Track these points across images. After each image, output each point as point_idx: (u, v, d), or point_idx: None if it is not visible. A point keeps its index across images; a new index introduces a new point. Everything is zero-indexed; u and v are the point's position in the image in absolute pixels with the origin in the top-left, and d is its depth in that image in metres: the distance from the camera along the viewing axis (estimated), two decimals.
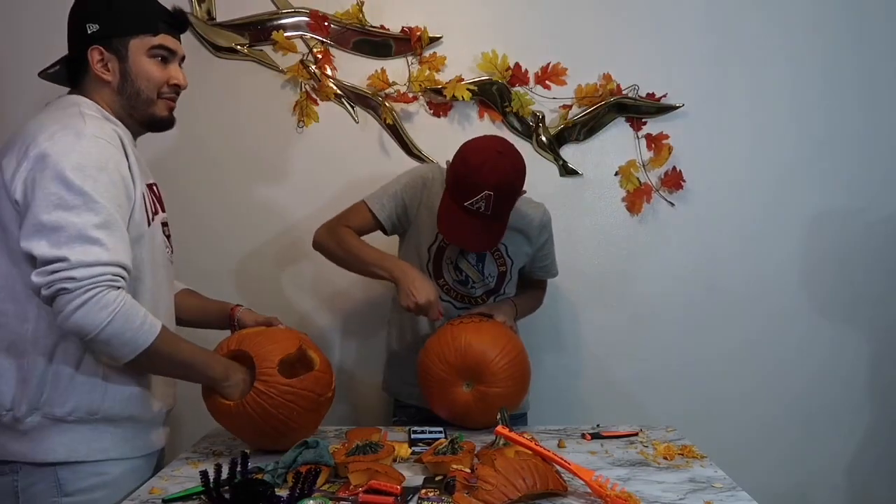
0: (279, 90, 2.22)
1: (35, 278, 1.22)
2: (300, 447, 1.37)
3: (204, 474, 1.22)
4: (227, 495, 1.20)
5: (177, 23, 1.44)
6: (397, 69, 2.22)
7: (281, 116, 2.22)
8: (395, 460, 1.45)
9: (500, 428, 1.38)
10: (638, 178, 2.26)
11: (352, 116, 2.23)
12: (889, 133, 2.28)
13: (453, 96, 2.18)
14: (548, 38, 2.23)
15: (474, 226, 1.67)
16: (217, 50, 2.20)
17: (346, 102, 2.23)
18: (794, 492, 2.33)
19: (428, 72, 2.20)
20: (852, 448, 2.35)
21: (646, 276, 2.29)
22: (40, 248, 1.22)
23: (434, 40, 2.20)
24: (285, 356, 1.49)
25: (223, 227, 2.24)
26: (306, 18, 2.20)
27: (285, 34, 2.19)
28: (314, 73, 2.20)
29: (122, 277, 1.27)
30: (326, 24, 2.20)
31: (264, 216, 2.25)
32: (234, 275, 2.25)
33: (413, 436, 1.61)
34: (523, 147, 2.22)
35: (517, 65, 2.21)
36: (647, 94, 2.24)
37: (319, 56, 2.20)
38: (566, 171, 2.27)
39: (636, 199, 2.26)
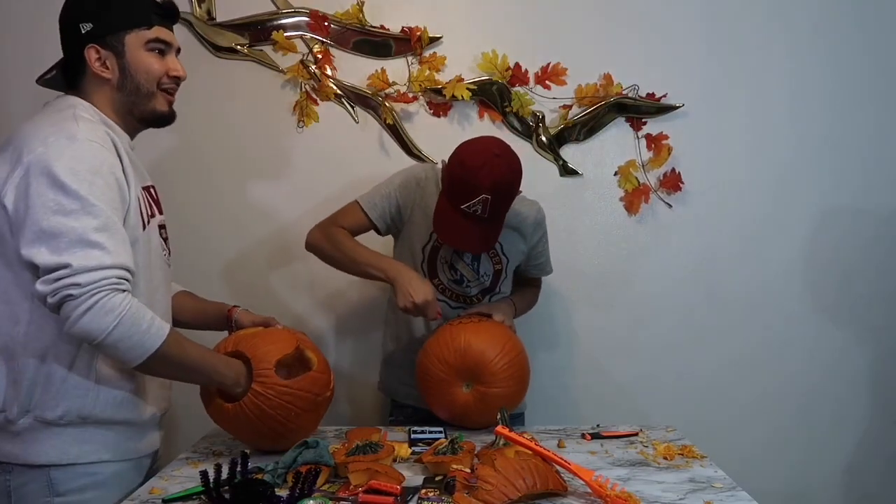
0: (279, 90, 2.22)
1: (40, 287, 1.22)
2: (300, 447, 1.37)
3: (204, 474, 1.22)
4: (227, 495, 1.20)
5: (169, 14, 1.44)
6: (397, 69, 2.22)
7: (281, 116, 2.22)
8: (395, 460, 1.45)
9: (500, 428, 1.39)
10: (637, 178, 2.26)
11: (352, 116, 2.23)
12: (891, 133, 2.28)
13: (453, 96, 2.18)
14: (548, 38, 2.23)
15: (471, 228, 1.67)
16: (217, 50, 2.20)
17: (346, 102, 2.23)
18: (794, 492, 2.33)
19: (428, 72, 2.20)
20: (853, 449, 2.34)
21: (645, 277, 2.29)
22: (41, 255, 1.21)
23: (434, 40, 2.21)
24: (282, 357, 1.49)
25: (223, 226, 2.24)
26: (306, 18, 2.20)
27: (285, 34, 2.19)
28: (314, 73, 2.20)
29: (126, 280, 1.27)
30: (326, 24, 2.20)
31: (264, 216, 2.25)
32: (234, 275, 2.25)
33: (413, 436, 1.61)
34: (523, 147, 2.23)
35: (517, 65, 2.21)
36: (647, 94, 2.24)
37: (319, 56, 2.20)
38: (566, 171, 2.27)
39: (634, 199, 2.26)
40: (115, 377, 1.35)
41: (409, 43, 2.20)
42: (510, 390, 1.66)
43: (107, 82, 1.38)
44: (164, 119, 1.45)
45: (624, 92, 2.23)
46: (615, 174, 2.27)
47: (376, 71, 2.20)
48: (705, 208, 2.28)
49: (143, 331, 1.27)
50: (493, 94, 2.22)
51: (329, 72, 2.21)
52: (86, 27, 1.36)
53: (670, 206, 2.27)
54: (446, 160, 1.73)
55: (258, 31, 2.20)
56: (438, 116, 2.22)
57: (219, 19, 2.20)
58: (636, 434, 1.69)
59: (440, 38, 2.21)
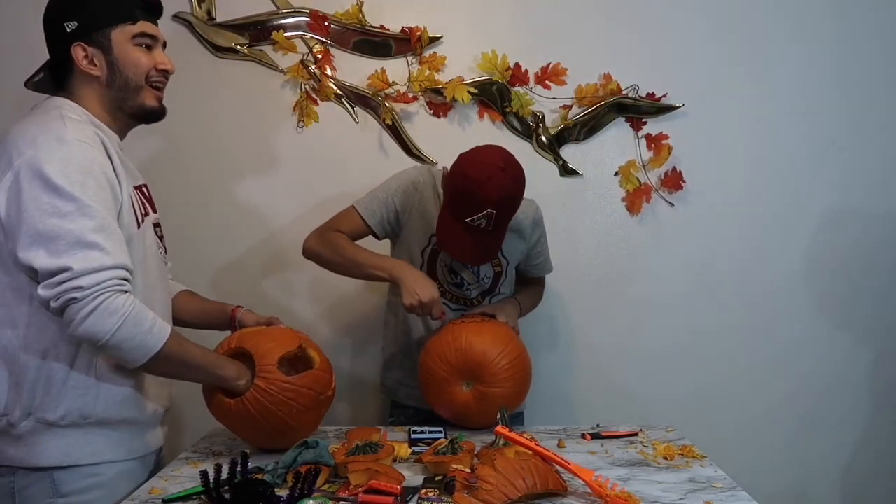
0: (279, 90, 2.22)
1: (42, 292, 1.22)
2: (300, 447, 1.37)
3: (204, 474, 1.22)
4: (227, 495, 1.20)
5: (153, 8, 1.44)
6: (397, 69, 2.22)
7: (281, 116, 2.22)
8: (395, 460, 1.45)
9: (500, 428, 1.38)
10: (638, 178, 2.26)
11: (352, 116, 2.23)
12: (888, 130, 2.28)
13: (453, 97, 2.18)
14: (548, 38, 2.23)
15: (475, 240, 1.65)
16: (217, 50, 2.20)
17: (346, 102, 2.23)
18: (792, 490, 2.33)
19: (428, 72, 2.20)
20: (851, 447, 2.35)
21: (646, 277, 2.29)
22: (40, 259, 1.21)
23: (434, 40, 2.21)
24: (285, 354, 1.49)
25: (223, 226, 2.24)
26: (306, 18, 2.20)
27: (285, 34, 2.19)
28: (314, 73, 2.20)
29: (127, 280, 1.27)
30: (326, 24, 2.20)
31: (264, 216, 2.25)
32: (234, 274, 2.25)
33: (413, 436, 1.61)
34: (523, 147, 2.23)
35: (517, 65, 2.21)
36: (647, 94, 2.24)
37: (319, 56, 2.20)
38: (566, 171, 2.27)
39: (636, 199, 2.26)
40: (116, 375, 1.35)
41: (409, 43, 2.20)
42: (510, 391, 1.66)
43: (95, 79, 1.38)
44: (155, 114, 1.45)
45: (624, 92, 2.23)
46: (616, 174, 2.27)
47: (376, 71, 2.20)
48: (706, 208, 2.28)
49: (146, 331, 1.28)
50: (493, 95, 2.22)
51: (329, 72, 2.21)
52: (71, 26, 1.35)
53: (672, 204, 2.27)
54: (447, 168, 1.70)
55: (258, 31, 2.20)
56: (438, 117, 2.22)
57: (219, 19, 2.20)
58: (636, 434, 1.69)
59: (440, 38, 2.21)
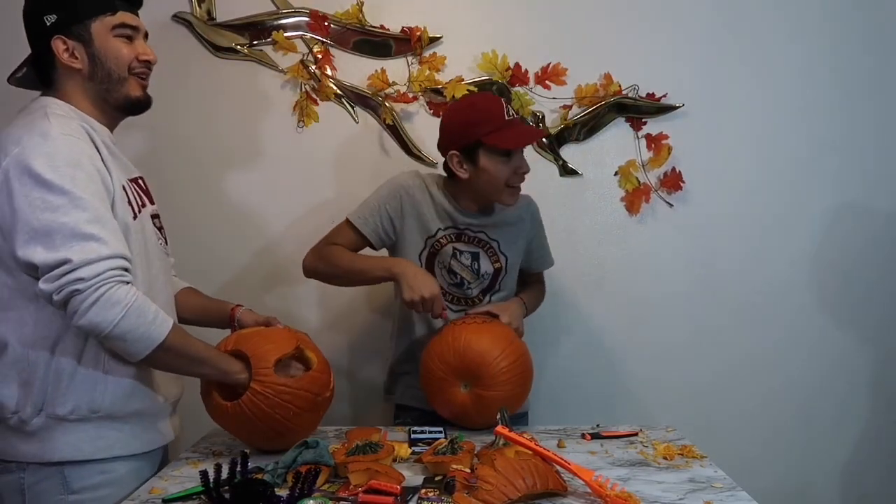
0: (279, 90, 2.22)
1: (43, 286, 1.22)
2: (300, 447, 1.37)
3: (204, 474, 1.22)
4: (227, 495, 1.20)
5: None
6: (397, 69, 2.22)
7: (281, 116, 2.22)
8: (394, 460, 1.45)
9: (500, 428, 1.38)
10: (637, 178, 2.26)
11: (352, 116, 2.23)
12: (885, 130, 2.28)
13: (453, 97, 2.18)
14: (548, 38, 2.23)
15: (524, 126, 1.90)
16: (217, 50, 2.20)
17: (346, 102, 2.23)
18: (792, 490, 2.33)
19: (428, 72, 2.20)
20: (851, 447, 2.34)
21: (646, 277, 2.29)
22: (38, 254, 1.22)
23: (434, 40, 2.20)
24: (282, 356, 1.49)
25: (222, 226, 2.24)
26: (306, 18, 2.20)
27: (285, 34, 2.19)
28: (314, 73, 2.20)
29: (127, 270, 1.28)
30: (326, 24, 2.20)
31: (264, 216, 2.25)
32: (234, 274, 2.25)
33: (413, 436, 1.61)
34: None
35: (517, 65, 2.21)
36: (647, 94, 2.24)
37: (319, 56, 2.20)
38: (566, 171, 2.27)
39: (635, 199, 2.26)
40: (124, 367, 1.35)
41: (409, 43, 2.20)
42: (508, 393, 1.65)
43: (78, 73, 1.38)
44: (140, 104, 1.44)
45: (624, 92, 2.23)
46: (615, 174, 2.27)
47: (376, 71, 2.20)
48: (706, 208, 2.28)
49: (149, 321, 1.28)
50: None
51: (329, 72, 2.21)
52: (50, 19, 1.35)
53: (671, 205, 2.27)
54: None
55: (258, 31, 2.20)
56: (438, 116, 2.22)
57: (219, 19, 2.20)
58: (636, 434, 1.69)
59: (440, 38, 2.21)
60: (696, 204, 2.28)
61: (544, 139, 2.24)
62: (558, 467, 1.32)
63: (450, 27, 2.21)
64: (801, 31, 2.25)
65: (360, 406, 2.29)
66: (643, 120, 2.25)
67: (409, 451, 1.52)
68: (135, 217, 1.38)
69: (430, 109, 2.23)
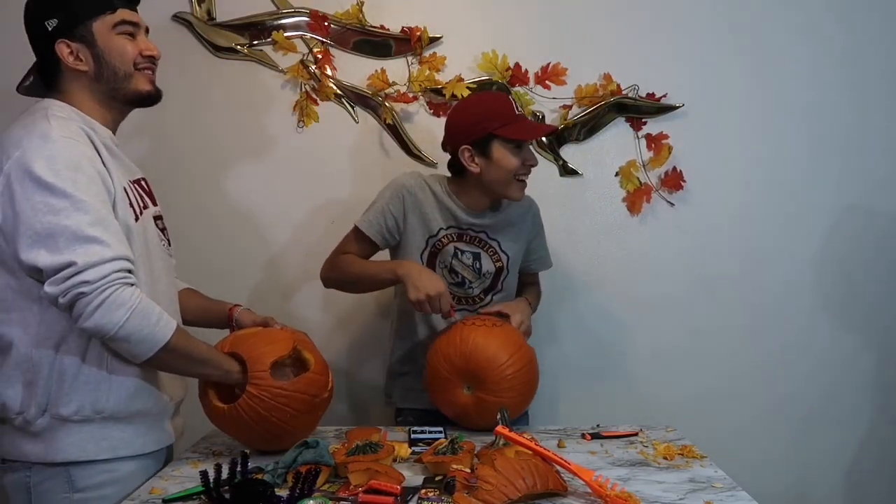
0: (279, 90, 2.22)
1: (49, 289, 1.22)
2: (300, 447, 1.37)
3: (204, 474, 1.22)
4: (227, 495, 1.20)
5: None
6: (397, 69, 2.22)
7: (281, 116, 2.22)
8: (395, 460, 1.45)
9: (500, 428, 1.38)
10: (638, 178, 2.26)
11: (352, 116, 2.23)
12: (888, 131, 2.28)
13: (453, 96, 2.18)
14: (548, 38, 2.23)
15: (530, 121, 1.93)
16: (217, 50, 2.20)
17: (346, 102, 2.23)
18: (792, 490, 2.33)
19: (428, 72, 2.20)
20: (852, 447, 2.34)
21: (646, 276, 2.29)
22: (42, 257, 1.22)
23: (434, 40, 2.20)
24: (278, 358, 1.48)
25: (222, 226, 2.24)
26: (306, 18, 2.20)
27: (285, 34, 2.19)
28: (314, 73, 2.20)
29: (131, 272, 1.28)
30: (326, 24, 2.20)
31: (264, 216, 2.25)
32: (233, 274, 2.24)
33: (413, 436, 1.61)
34: None
35: (517, 65, 2.21)
36: (647, 94, 2.24)
37: (319, 56, 2.20)
38: (566, 171, 2.27)
39: (636, 199, 2.26)
40: (128, 367, 1.35)
41: (409, 43, 2.20)
42: (511, 400, 1.63)
43: (84, 74, 1.38)
44: (150, 97, 1.44)
45: (624, 92, 2.23)
46: (616, 175, 2.27)
47: (376, 71, 2.20)
48: (706, 208, 2.28)
49: (153, 323, 1.29)
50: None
51: (329, 72, 2.21)
52: (51, 23, 1.35)
53: (672, 204, 2.27)
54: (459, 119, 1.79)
55: (258, 31, 2.20)
56: (438, 116, 2.22)
57: (219, 19, 2.20)
58: (636, 434, 1.69)
59: (440, 38, 2.21)
60: (697, 204, 2.28)
61: (544, 139, 2.24)
62: (558, 467, 1.32)
63: (450, 27, 2.21)
64: (802, 31, 2.25)
65: (360, 406, 2.29)
66: (643, 120, 2.25)
67: (409, 451, 1.52)
68: (136, 219, 1.39)
69: (430, 109, 2.23)
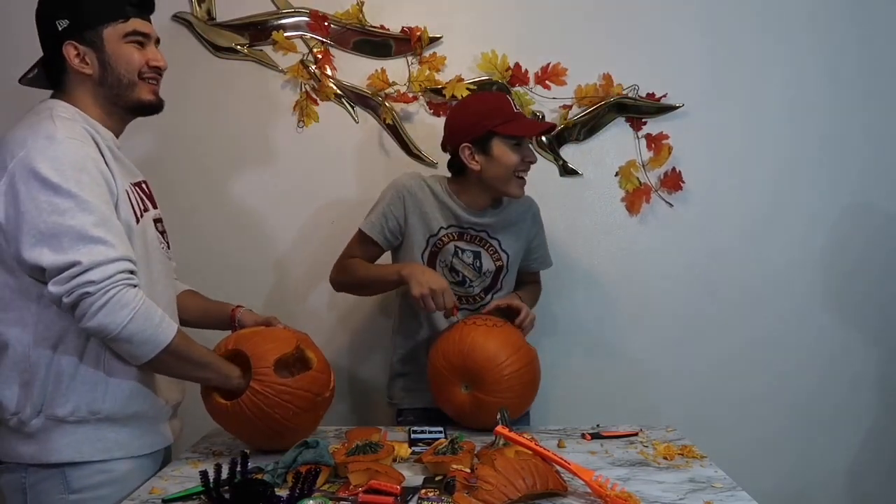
0: (279, 90, 2.22)
1: (53, 288, 1.22)
2: (300, 447, 1.37)
3: (204, 474, 1.22)
4: (227, 495, 1.20)
5: (144, 5, 1.43)
6: (397, 69, 2.22)
7: (281, 116, 2.22)
8: (395, 460, 1.45)
9: (500, 428, 1.39)
10: (638, 179, 2.26)
11: (352, 116, 2.23)
12: (892, 131, 2.28)
13: (453, 96, 2.18)
14: (548, 38, 2.23)
15: (527, 119, 1.95)
16: (217, 50, 2.20)
17: (346, 102, 2.23)
18: (792, 490, 2.33)
19: (428, 72, 2.20)
20: (853, 447, 2.34)
21: (646, 276, 2.29)
22: (45, 256, 1.22)
23: (434, 40, 2.20)
24: (282, 356, 1.49)
25: (222, 226, 2.24)
26: (306, 18, 2.20)
27: (285, 34, 2.19)
28: (314, 73, 2.20)
29: (133, 272, 1.28)
30: (326, 24, 2.20)
31: (263, 216, 2.25)
32: (234, 274, 2.24)
33: (413, 436, 1.61)
34: None
35: (517, 65, 2.21)
36: (647, 94, 2.24)
37: (319, 56, 2.20)
38: (566, 171, 2.27)
39: (635, 199, 2.26)
40: (125, 369, 1.36)
41: (409, 43, 2.20)
42: (509, 401, 1.62)
43: (88, 78, 1.38)
44: (152, 107, 1.45)
45: (624, 92, 2.23)
46: (616, 175, 2.27)
47: (376, 71, 2.20)
48: (706, 208, 2.28)
49: (156, 325, 1.29)
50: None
51: (329, 72, 2.21)
52: (62, 24, 1.35)
53: (671, 205, 2.27)
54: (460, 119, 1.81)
55: (258, 31, 2.20)
56: (438, 116, 2.22)
57: (219, 19, 2.20)
58: (636, 434, 1.69)
59: (440, 38, 2.21)
60: (697, 204, 2.28)
61: (544, 139, 2.24)
62: (558, 467, 1.32)
63: (450, 27, 2.21)
64: (803, 31, 2.25)
65: (361, 406, 2.29)
66: (643, 120, 2.25)
67: (409, 451, 1.52)
68: (137, 221, 1.39)
69: (430, 109, 2.23)
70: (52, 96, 1.41)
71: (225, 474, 1.24)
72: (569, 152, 2.27)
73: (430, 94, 2.21)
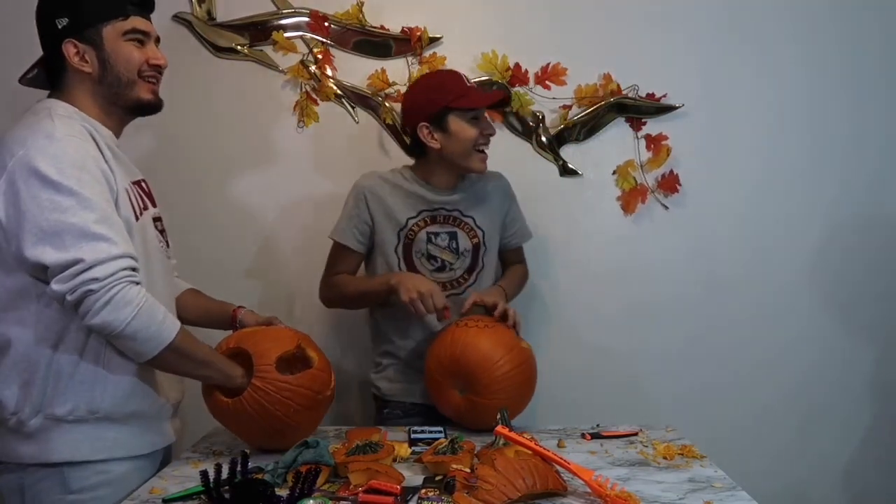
0: (279, 90, 2.22)
1: (56, 287, 1.22)
2: (300, 447, 1.37)
3: (204, 474, 1.22)
4: (227, 495, 1.20)
5: (144, 3, 1.43)
6: (397, 69, 2.22)
7: (281, 116, 2.22)
8: (395, 460, 1.45)
9: (499, 428, 1.39)
10: (634, 178, 2.26)
11: (352, 116, 2.24)
12: (886, 132, 2.28)
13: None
14: (548, 38, 2.23)
15: (483, 90, 1.98)
16: (217, 50, 2.20)
17: (346, 102, 2.23)
18: (792, 490, 2.33)
19: (428, 72, 2.20)
20: (851, 447, 2.34)
21: (645, 277, 2.29)
22: (47, 254, 1.22)
23: (434, 40, 2.21)
24: (283, 354, 1.50)
25: (222, 226, 2.24)
26: (306, 18, 2.20)
27: (285, 34, 2.19)
28: (314, 73, 2.20)
29: (136, 270, 1.29)
30: (326, 24, 2.20)
31: (263, 216, 2.25)
32: (234, 274, 2.25)
33: (413, 436, 1.61)
34: (523, 147, 2.24)
35: (517, 65, 2.21)
36: (647, 94, 2.24)
37: (319, 56, 2.20)
38: (566, 171, 2.27)
39: (631, 198, 2.26)
40: (125, 368, 1.36)
41: (409, 43, 2.20)
42: (504, 403, 1.59)
43: (88, 76, 1.38)
44: (151, 107, 1.45)
45: (624, 92, 2.23)
46: (613, 173, 2.27)
47: (376, 71, 2.20)
48: (704, 208, 2.28)
49: (159, 322, 1.30)
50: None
51: (329, 72, 2.21)
52: (62, 22, 1.36)
53: (667, 207, 2.27)
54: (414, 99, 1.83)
55: (258, 31, 2.20)
56: None
57: (219, 19, 2.20)
58: (636, 434, 1.69)
59: (440, 38, 2.21)
60: (695, 205, 2.27)
61: (543, 139, 2.24)
62: (558, 467, 1.32)
63: (450, 27, 2.21)
64: (803, 31, 2.25)
65: (360, 406, 2.29)
66: (643, 120, 2.25)
67: (409, 451, 1.52)
68: (136, 219, 1.39)
69: None
70: (50, 96, 1.41)
71: (225, 474, 1.24)
72: (568, 152, 2.27)
73: None
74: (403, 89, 2.20)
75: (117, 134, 1.45)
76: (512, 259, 2.03)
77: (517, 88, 2.22)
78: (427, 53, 2.21)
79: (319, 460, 1.34)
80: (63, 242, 1.22)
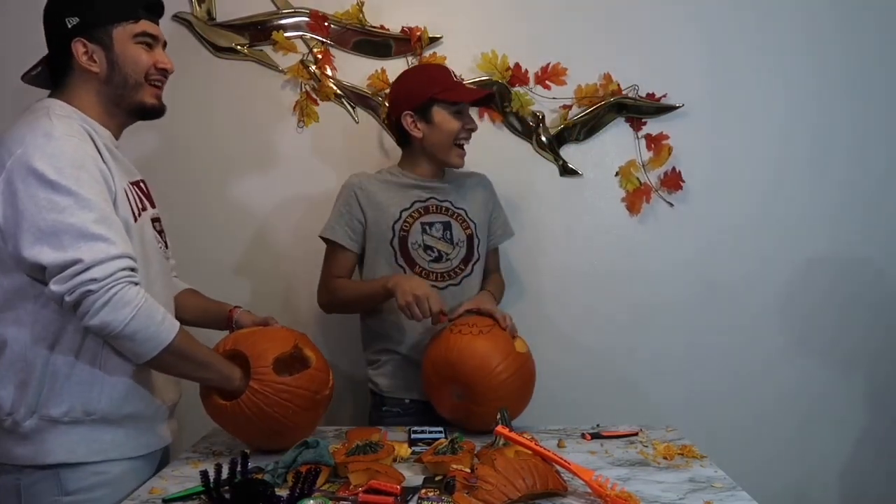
0: (279, 90, 2.22)
1: (54, 287, 1.22)
2: (300, 447, 1.37)
3: (204, 474, 1.22)
4: (227, 495, 1.20)
5: (155, 7, 1.44)
6: (397, 69, 2.20)
7: (281, 116, 2.22)
8: (395, 460, 1.45)
9: (500, 428, 1.38)
10: (638, 179, 2.26)
11: (352, 116, 2.24)
12: (890, 132, 2.28)
13: None
14: (548, 38, 2.23)
15: (469, 87, 1.99)
16: (217, 50, 2.20)
17: (346, 102, 2.23)
18: (792, 490, 2.33)
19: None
20: (850, 447, 2.34)
21: (645, 277, 2.29)
22: (46, 254, 1.22)
23: (434, 40, 2.21)
24: (280, 355, 1.49)
25: (222, 226, 2.24)
26: (306, 18, 2.20)
27: (285, 34, 2.19)
28: (314, 73, 2.20)
29: (134, 270, 1.28)
30: (326, 24, 2.20)
31: (263, 216, 2.25)
32: (234, 274, 2.25)
33: (413, 436, 1.61)
34: (523, 147, 2.24)
35: (517, 65, 2.21)
36: (647, 94, 2.24)
37: (319, 56, 2.20)
38: (566, 171, 2.27)
39: (636, 199, 2.26)
40: (121, 369, 1.35)
41: (409, 43, 2.20)
42: (502, 406, 1.58)
43: (94, 76, 1.38)
44: (154, 111, 1.45)
45: (624, 92, 2.23)
46: (616, 174, 2.27)
47: (376, 71, 2.20)
48: (706, 208, 2.28)
49: (158, 322, 1.29)
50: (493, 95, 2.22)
51: (329, 72, 2.21)
52: (72, 21, 1.36)
53: (672, 205, 2.27)
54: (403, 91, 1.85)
55: (258, 31, 2.20)
56: None
57: (219, 19, 2.20)
58: (636, 434, 1.69)
59: (440, 38, 2.21)
60: (697, 204, 2.28)
61: (544, 138, 2.24)
62: (558, 467, 1.32)
63: (450, 27, 2.21)
64: (803, 31, 2.25)
65: (360, 406, 2.29)
66: (643, 120, 2.25)
67: (409, 451, 1.52)
68: (135, 220, 1.39)
69: None
70: (51, 95, 1.41)
71: (225, 474, 1.24)
72: (569, 152, 2.27)
73: None
74: None
75: (116, 135, 1.45)
76: (490, 266, 2.01)
77: (517, 88, 2.22)
78: (427, 53, 2.21)
79: (319, 460, 1.34)
80: (61, 242, 1.21)
